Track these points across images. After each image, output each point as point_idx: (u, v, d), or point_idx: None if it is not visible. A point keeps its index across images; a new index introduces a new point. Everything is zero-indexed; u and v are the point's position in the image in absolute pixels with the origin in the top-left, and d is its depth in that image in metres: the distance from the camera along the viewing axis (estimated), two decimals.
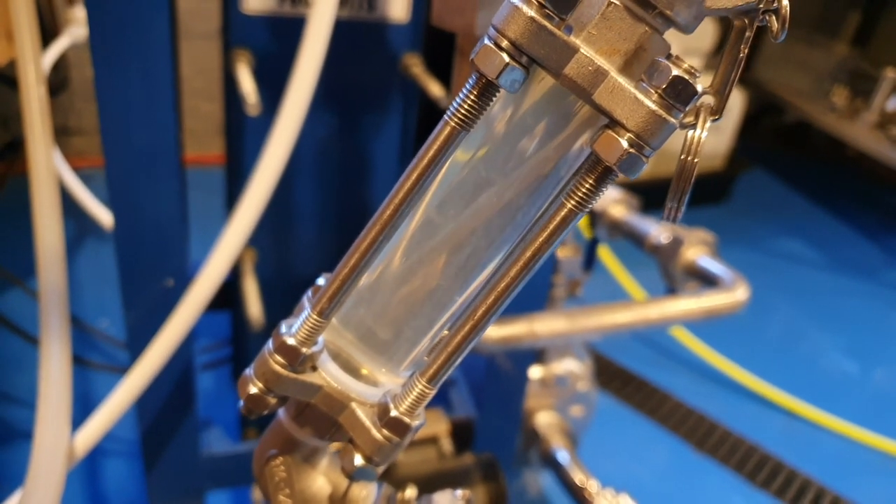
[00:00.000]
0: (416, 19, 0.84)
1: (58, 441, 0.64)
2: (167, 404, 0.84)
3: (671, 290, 0.99)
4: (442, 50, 0.89)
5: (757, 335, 1.85)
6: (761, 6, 0.25)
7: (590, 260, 1.15)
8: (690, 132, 0.26)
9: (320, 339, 0.31)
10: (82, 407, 1.27)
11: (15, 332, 1.28)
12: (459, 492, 0.38)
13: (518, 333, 0.78)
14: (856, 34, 2.84)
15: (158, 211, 0.72)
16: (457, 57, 0.63)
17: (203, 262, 0.68)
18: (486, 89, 0.26)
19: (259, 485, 0.35)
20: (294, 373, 0.30)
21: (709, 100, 0.27)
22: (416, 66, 0.85)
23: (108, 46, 0.63)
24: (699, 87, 0.25)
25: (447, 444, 0.92)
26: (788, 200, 2.70)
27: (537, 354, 1.08)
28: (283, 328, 0.30)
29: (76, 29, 1.43)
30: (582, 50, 0.25)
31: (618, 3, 0.25)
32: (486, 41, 0.25)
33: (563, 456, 1.07)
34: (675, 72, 0.24)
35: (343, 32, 0.80)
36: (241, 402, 0.30)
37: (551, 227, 0.27)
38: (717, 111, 0.27)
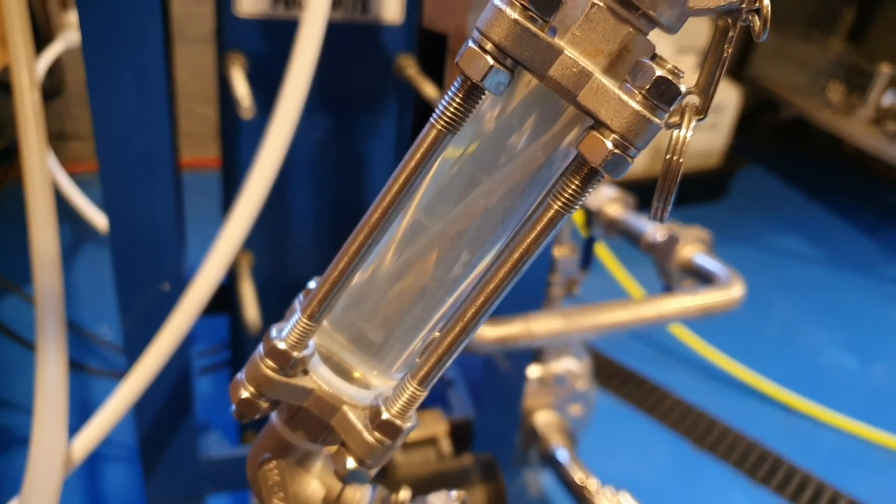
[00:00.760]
0: (410, 21, 0.84)
1: (54, 447, 0.65)
2: (165, 409, 0.84)
3: (668, 288, 0.99)
4: (436, 51, 0.89)
5: (755, 331, 1.85)
6: (744, 6, 0.25)
7: (587, 258, 1.15)
8: (676, 132, 0.26)
9: (311, 342, 0.31)
10: (81, 412, 1.26)
11: (11, 337, 1.28)
12: (454, 492, 0.38)
13: (515, 333, 0.78)
14: (851, 30, 2.85)
15: (154, 215, 0.72)
16: (449, 58, 0.63)
17: (199, 266, 0.69)
18: (472, 92, 0.26)
19: (253, 489, 0.35)
20: (285, 377, 0.30)
21: (694, 99, 0.27)
22: (410, 67, 0.85)
23: (100, 51, 0.63)
24: (683, 88, 0.25)
25: (446, 445, 0.92)
26: (786, 197, 2.71)
27: (535, 353, 1.09)
28: (274, 332, 0.30)
29: (71, 34, 1.43)
30: (566, 51, 0.25)
31: (601, 4, 0.25)
32: (471, 44, 0.25)
33: (562, 455, 1.07)
34: (659, 72, 0.24)
35: (337, 34, 0.80)
36: (233, 407, 0.31)
37: (539, 227, 0.27)
38: (703, 111, 0.27)
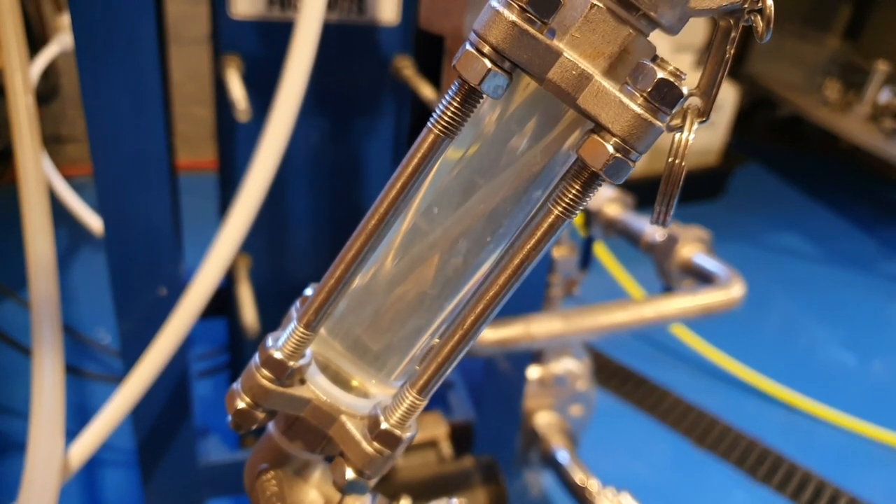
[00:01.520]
0: (407, 21, 0.84)
1: (51, 455, 0.64)
2: (163, 413, 0.83)
3: (667, 288, 0.99)
4: (433, 52, 0.88)
5: (755, 329, 1.85)
6: (746, 6, 0.24)
7: (586, 259, 1.14)
8: (678, 135, 0.26)
9: (308, 351, 0.30)
10: (79, 416, 1.26)
11: (8, 342, 1.27)
12: (455, 500, 0.37)
13: (514, 335, 0.78)
14: (847, 27, 2.85)
15: (150, 218, 0.72)
16: (446, 59, 0.63)
17: (197, 269, 0.68)
18: (470, 96, 0.25)
19: (251, 499, 0.34)
20: (282, 387, 0.30)
21: (696, 101, 0.27)
22: (407, 68, 0.85)
23: (94, 53, 0.62)
24: (685, 90, 0.24)
25: (447, 448, 0.91)
26: (783, 194, 2.71)
27: (535, 354, 1.08)
28: (270, 341, 0.30)
29: (65, 36, 1.43)
30: (565, 54, 0.24)
31: (601, 5, 0.24)
32: (468, 47, 0.25)
33: (563, 456, 1.07)
34: (661, 74, 0.24)
35: (333, 35, 0.80)
36: (229, 417, 0.30)
37: (539, 233, 0.26)
38: (705, 113, 0.26)
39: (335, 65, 0.83)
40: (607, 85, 0.24)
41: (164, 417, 0.84)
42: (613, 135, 0.24)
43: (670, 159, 0.26)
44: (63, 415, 0.66)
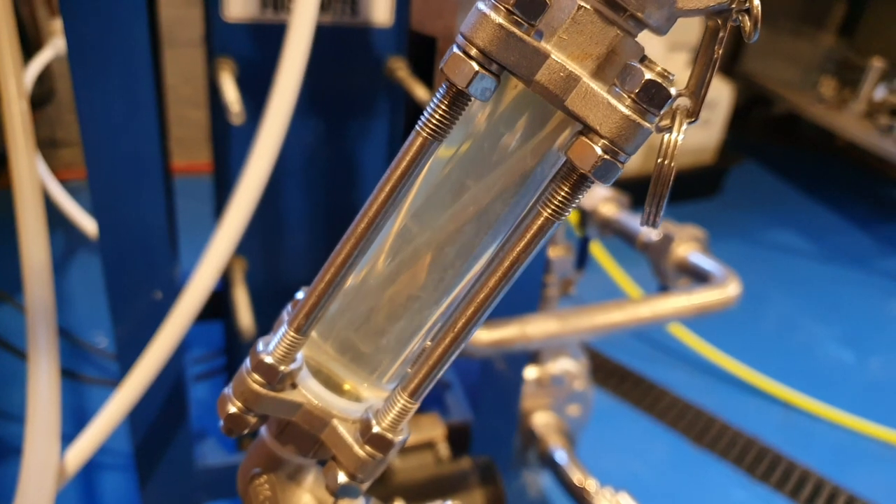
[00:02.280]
0: (400, 23, 0.84)
1: (47, 460, 0.64)
2: (160, 417, 0.83)
3: (663, 287, 0.99)
4: (426, 53, 0.88)
5: (752, 328, 1.85)
6: (734, 6, 0.24)
7: (582, 258, 1.14)
8: (667, 135, 0.26)
9: (299, 355, 0.30)
10: (76, 420, 1.26)
11: (3, 346, 1.27)
12: (450, 502, 0.37)
13: (510, 336, 0.78)
14: (842, 24, 2.85)
15: (144, 221, 0.72)
16: (438, 61, 0.63)
17: (192, 272, 0.68)
18: (457, 98, 0.25)
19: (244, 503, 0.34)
20: (273, 391, 0.30)
21: (685, 102, 0.27)
22: (400, 69, 0.85)
23: (86, 57, 0.62)
24: (673, 91, 0.24)
25: (444, 449, 0.91)
26: (780, 192, 2.71)
27: (532, 354, 1.08)
28: (261, 346, 0.30)
29: (60, 41, 1.42)
30: (553, 55, 0.24)
31: (588, 6, 0.24)
32: (455, 49, 0.24)
33: (561, 456, 1.07)
34: (648, 75, 0.24)
35: (326, 38, 0.80)
36: (221, 422, 0.30)
37: (528, 235, 0.26)
38: (694, 113, 0.26)
39: (329, 67, 0.83)
40: (595, 86, 0.24)
41: (161, 421, 0.84)
42: (602, 136, 0.24)
43: (659, 160, 0.26)
44: (59, 419, 0.66)
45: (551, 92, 0.25)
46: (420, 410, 0.30)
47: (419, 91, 0.78)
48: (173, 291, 0.73)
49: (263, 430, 0.34)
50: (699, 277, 0.92)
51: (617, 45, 0.25)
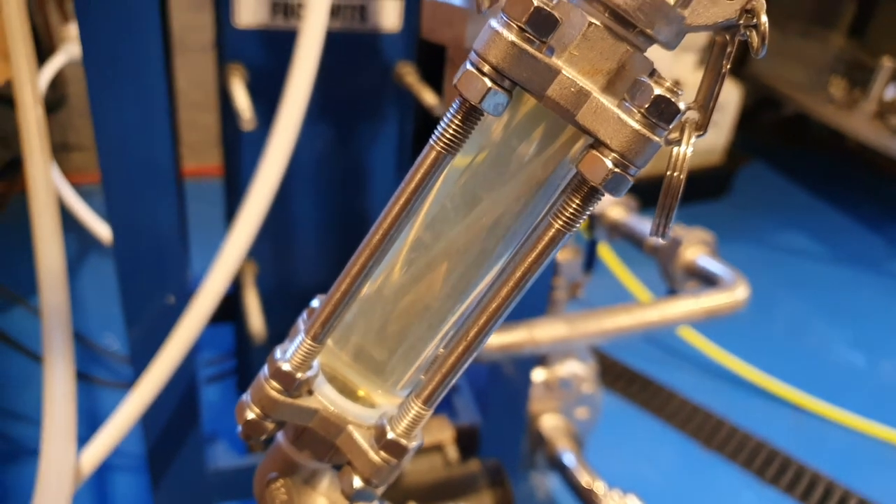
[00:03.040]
0: (409, 28, 0.84)
1: (64, 461, 0.65)
2: (172, 419, 0.84)
3: (672, 290, 0.99)
4: (436, 58, 0.89)
5: (762, 330, 1.84)
6: (741, 22, 0.25)
7: (590, 261, 1.15)
8: (676, 148, 0.26)
9: (315, 363, 0.31)
10: (90, 423, 1.27)
11: (19, 349, 1.29)
12: None
13: (518, 341, 0.78)
14: (852, 25, 2.83)
15: (157, 225, 0.73)
16: (447, 68, 0.63)
17: (204, 276, 0.69)
18: (471, 113, 0.26)
19: None
20: (290, 398, 0.30)
21: (693, 115, 0.27)
22: (409, 74, 0.85)
23: (101, 63, 0.63)
24: (682, 105, 0.25)
25: (452, 452, 0.92)
26: (789, 194, 2.69)
27: (541, 357, 1.08)
28: (278, 353, 0.31)
29: (72, 46, 1.44)
30: (564, 71, 0.25)
31: (598, 23, 0.25)
32: (468, 66, 0.25)
33: (569, 458, 1.07)
34: (658, 91, 0.24)
35: (336, 43, 0.80)
36: (239, 428, 0.31)
37: (540, 247, 0.27)
38: (702, 126, 0.27)
39: (339, 72, 0.84)
40: (605, 101, 0.25)
41: (173, 423, 0.85)
42: (612, 150, 0.25)
43: (669, 172, 0.26)
44: (75, 421, 0.67)
45: (562, 107, 0.25)
46: None
47: (428, 96, 0.79)
48: (185, 295, 0.74)
49: (280, 435, 0.35)
50: (708, 281, 0.92)
51: (627, 61, 0.25)
